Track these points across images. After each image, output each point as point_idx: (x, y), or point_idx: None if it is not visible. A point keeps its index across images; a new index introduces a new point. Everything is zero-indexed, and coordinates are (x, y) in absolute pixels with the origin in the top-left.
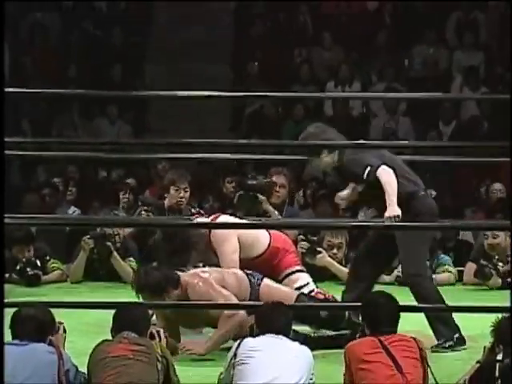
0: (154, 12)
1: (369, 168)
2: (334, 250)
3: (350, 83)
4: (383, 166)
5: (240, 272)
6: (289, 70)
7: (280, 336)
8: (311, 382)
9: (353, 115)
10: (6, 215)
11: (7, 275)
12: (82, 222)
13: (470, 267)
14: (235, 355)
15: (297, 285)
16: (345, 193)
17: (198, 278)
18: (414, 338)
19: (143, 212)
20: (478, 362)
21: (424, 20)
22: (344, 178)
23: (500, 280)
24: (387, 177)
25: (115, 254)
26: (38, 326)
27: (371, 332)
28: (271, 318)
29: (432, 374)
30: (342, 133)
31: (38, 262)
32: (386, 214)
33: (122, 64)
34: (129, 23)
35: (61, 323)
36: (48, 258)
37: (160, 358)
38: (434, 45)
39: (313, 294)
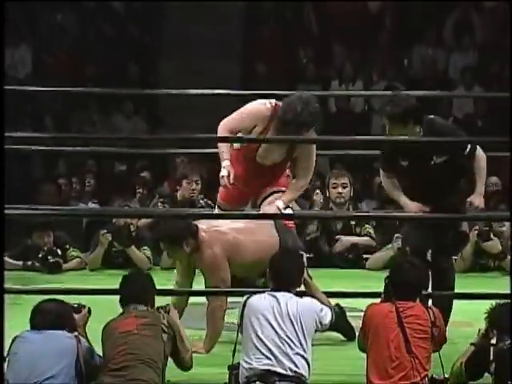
0: (167, 12)
1: (469, 145)
2: (339, 189)
3: (353, 82)
4: (480, 149)
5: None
6: (295, 69)
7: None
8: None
9: (355, 112)
10: (26, 206)
11: (30, 263)
12: (99, 213)
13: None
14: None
15: None
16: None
17: (211, 245)
18: (431, 311)
19: (159, 203)
20: (472, 344)
21: (423, 22)
22: (435, 147)
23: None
24: (484, 162)
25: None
26: (56, 317)
27: (395, 296)
28: (285, 267)
29: (439, 355)
30: (345, 128)
31: (59, 251)
32: (476, 203)
33: (138, 62)
34: (144, 23)
35: (84, 305)
36: (68, 246)
37: (166, 329)
38: (433, 46)
39: None
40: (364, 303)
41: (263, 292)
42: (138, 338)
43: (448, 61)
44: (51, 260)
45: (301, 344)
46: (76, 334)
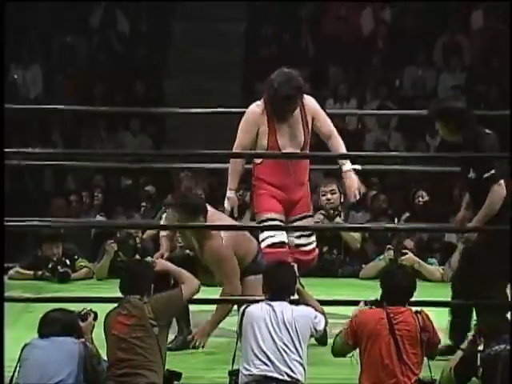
0: (172, 34)
1: (493, 171)
2: (328, 195)
3: (347, 101)
4: (501, 184)
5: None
6: None
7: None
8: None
9: (349, 130)
10: (37, 218)
11: (40, 272)
12: (106, 225)
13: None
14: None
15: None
16: (461, 215)
17: (219, 237)
18: (420, 316)
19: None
20: (460, 348)
21: (414, 44)
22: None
23: None
24: (497, 197)
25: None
26: (62, 326)
27: (386, 301)
28: (279, 278)
29: (427, 359)
30: None
31: (68, 261)
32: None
33: (144, 81)
34: (149, 44)
35: (90, 312)
36: (76, 257)
37: (153, 322)
38: (423, 66)
39: None
40: (346, 310)
41: (261, 301)
42: (133, 344)
43: (437, 81)
44: (61, 270)
45: (296, 350)
46: (83, 340)
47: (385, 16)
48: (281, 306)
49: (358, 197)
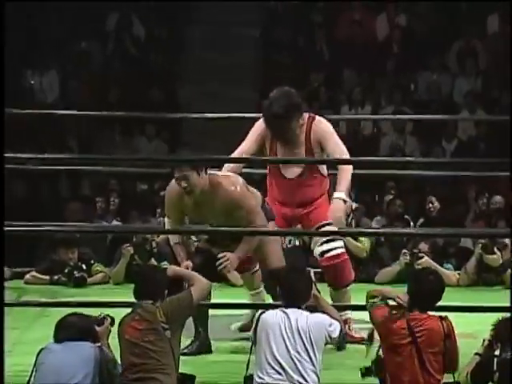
0: (187, 39)
1: None
2: None
3: (362, 106)
4: None
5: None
6: (307, 93)
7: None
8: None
9: (364, 134)
10: (53, 223)
11: (56, 277)
12: (122, 230)
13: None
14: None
15: None
16: None
17: (234, 183)
18: (445, 323)
19: None
20: (476, 353)
21: (428, 48)
22: None
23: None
24: None
25: (153, 259)
26: (78, 331)
27: (414, 306)
28: (294, 285)
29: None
30: (354, 150)
31: (84, 266)
32: None
33: (159, 87)
34: (164, 48)
35: (106, 316)
36: (92, 262)
37: (165, 325)
38: (438, 71)
39: None
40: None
41: (276, 308)
42: (145, 348)
43: (453, 85)
44: (77, 275)
45: (310, 358)
46: (99, 344)
47: (400, 21)
48: (295, 314)
49: (340, 224)
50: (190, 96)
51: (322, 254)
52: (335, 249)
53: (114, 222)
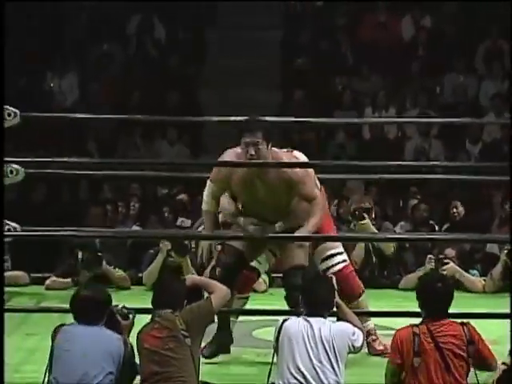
0: (209, 42)
1: None
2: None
3: (386, 109)
4: None
5: None
6: (331, 97)
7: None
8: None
9: (389, 138)
10: (73, 228)
11: (76, 279)
12: (142, 236)
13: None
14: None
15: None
16: None
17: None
18: (466, 328)
19: None
20: (503, 363)
21: (454, 50)
22: None
23: None
24: None
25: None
26: (101, 315)
27: (426, 316)
28: (317, 293)
29: (474, 371)
30: (379, 154)
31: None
32: None
33: (181, 90)
34: (186, 52)
35: (132, 312)
36: (113, 267)
37: (185, 333)
38: (464, 73)
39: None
40: (395, 322)
41: (298, 316)
42: (166, 356)
43: (479, 87)
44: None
45: (333, 368)
46: (124, 337)
47: (425, 22)
48: (318, 323)
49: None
50: (211, 99)
51: (326, 271)
52: (338, 264)
53: (134, 227)
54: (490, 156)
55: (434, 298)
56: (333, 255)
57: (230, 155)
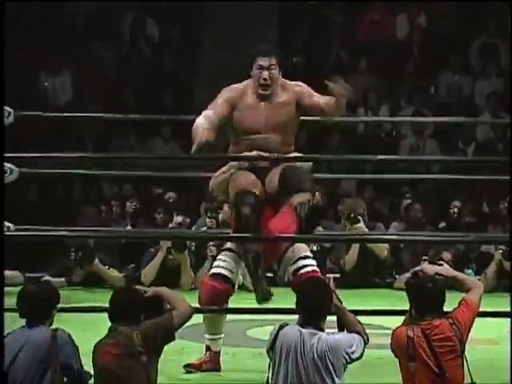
0: (201, 38)
1: None
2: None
3: (380, 108)
4: None
5: None
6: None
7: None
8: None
9: (383, 137)
10: (66, 228)
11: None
12: (136, 236)
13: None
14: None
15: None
16: None
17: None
18: (455, 327)
19: (207, 219)
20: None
21: (449, 49)
22: None
23: None
24: None
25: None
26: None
27: (417, 316)
28: (314, 300)
29: (468, 369)
30: (373, 153)
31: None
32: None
33: (174, 89)
34: (179, 50)
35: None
36: (107, 267)
37: (141, 349)
38: (458, 72)
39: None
40: (389, 321)
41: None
42: (119, 376)
43: (474, 86)
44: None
45: None
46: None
47: (420, 21)
48: (313, 339)
49: None
50: (206, 97)
51: (297, 270)
52: (310, 265)
53: (128, 227)
54: (485, 155)
55: (425, 299)
56: (302, 258)
57: (236, 85)
